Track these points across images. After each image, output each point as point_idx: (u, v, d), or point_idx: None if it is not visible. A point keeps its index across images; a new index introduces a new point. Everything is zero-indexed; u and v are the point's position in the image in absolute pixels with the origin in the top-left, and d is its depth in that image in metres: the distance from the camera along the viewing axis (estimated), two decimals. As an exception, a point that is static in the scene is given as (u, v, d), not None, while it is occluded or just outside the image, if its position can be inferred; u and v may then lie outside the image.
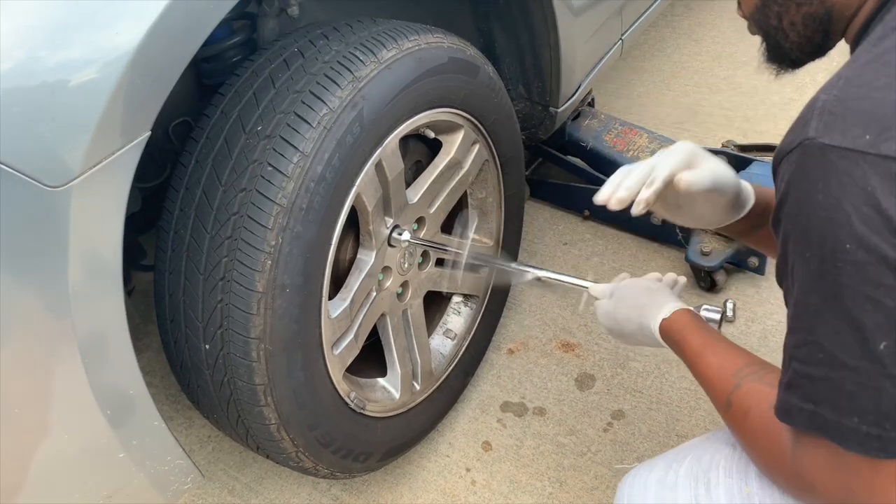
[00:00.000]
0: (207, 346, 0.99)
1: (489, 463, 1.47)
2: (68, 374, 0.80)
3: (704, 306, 1.00)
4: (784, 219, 0.67)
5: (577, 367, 1.61)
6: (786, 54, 0.84)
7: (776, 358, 0.88)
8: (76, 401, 0.83)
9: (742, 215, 0.93)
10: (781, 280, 0.71)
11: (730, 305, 1.61)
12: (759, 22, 0.83)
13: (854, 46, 0.77)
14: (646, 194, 0.82)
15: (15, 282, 0.73)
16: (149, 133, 0.77)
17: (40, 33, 0.71)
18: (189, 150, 1.02)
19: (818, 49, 0.82)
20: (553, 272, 1.16)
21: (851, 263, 0.60)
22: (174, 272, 1.00)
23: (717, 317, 0.96)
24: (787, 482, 0.73)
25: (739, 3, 0.87)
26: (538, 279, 1.18)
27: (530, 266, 1.21)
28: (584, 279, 1.12)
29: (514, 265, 1.22)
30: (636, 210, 0.84)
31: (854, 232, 0.60)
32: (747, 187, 0.93)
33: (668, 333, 0.92)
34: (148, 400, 0.89)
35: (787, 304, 0.70)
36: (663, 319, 0.92)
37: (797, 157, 0.64)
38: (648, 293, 0.97)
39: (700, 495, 0.84)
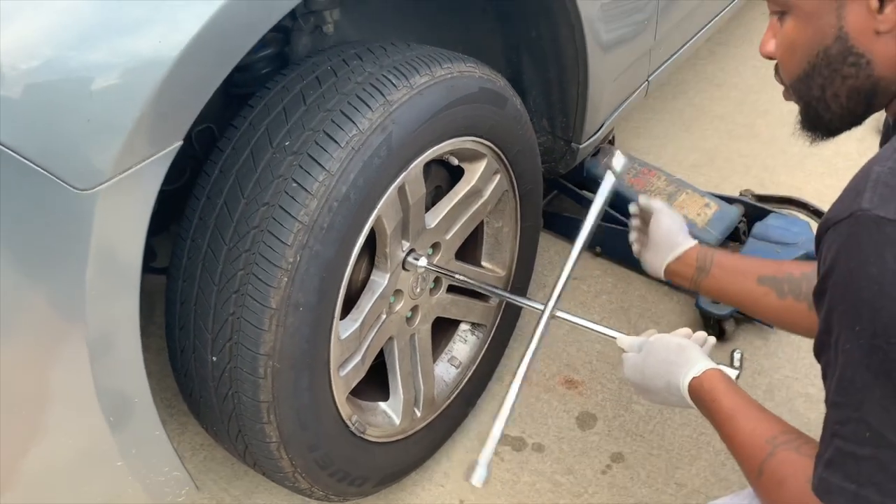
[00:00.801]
0: (215, 359, 0.98)
1: (483, 496, 1.45)
2: (75, 377, 0.79)
3: (720, 366, 0.99)
4: (831, 289, 0.65)
5: (579, 406, 1.59)
6: (825, 125, 0.83)
7: (781, 412, 0.87)
8: (80, 404, 0.82)
9: (677, 253, 1.16)
10: (821, 353, 0.69)
11: (737, 356, 1.60)
12: (801, 91, 0.82)
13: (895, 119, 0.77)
14: None
15: (32, 280, 0.73)
16: (180, 143, 0.76)
17: (82, 33, 0.71)
18: (214, 159, 1.01)
19: (858, 120, 0.82)
20: (580, 318, 1.15)
21: None
22: (188, 280, 0.99)
23: (734, 376, 0.95)
24: None
25: (777, 70, 0.86)
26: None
27: (564, 311, 1.17)
28: (612, 329, 1.11)
29: (543, 306, 1.18)
30: None
31: None
32: (687, 237, 1.18)
33: (698, 393, 0.90)
34: (151, 409, 0.88)
35: (824, 377, 0.69)
36: (693, 378, 0.90)
37: (849, 227, 0.63)
38: (679, 350, 0.95)
39: None
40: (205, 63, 0.76)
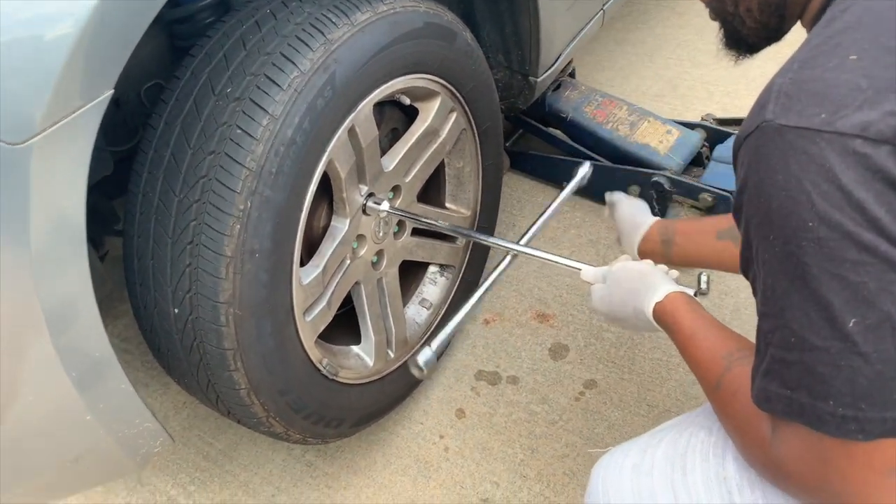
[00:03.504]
0: (177, 311, 0.99)
1: (462, 430, 1.48)
2: (32, 336, 0.80)
3: (683, 288, 1.01)
4: (745, 204, 0.67)
5: (551, 338, 1.62)
6: (743, 40, 0.84)
7: (747, 331, 0.89)
8: (41, 363, 0.82)
9: (641, 231, 1.22)
10: (747, 269, 0.70)
11: (703, 278, 1.62)
12: (716, 9, 0.84)
13: (810, 29, 0.77)
14: None
15: (-25, 241, 0.72)
16: (111, 92, 0.75)
17: (-1, -14, 0.69)
18: (158, 112, 1.00)
19: (774, 33, 0.83)
20: (545, 252, 1.15)
21: (814, 241, 0.60)
22: (143, 235, 0.99)
23: (692, 293, 0.97)
24: (764, 468, 0.73)
25: None
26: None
27: (523, 246, 1.19)
28: (575, 261, 1.12)
29: (508, 244, 1.20)
30: None
31: (815, 209, 0.60)
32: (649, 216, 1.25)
33: (662, 317, 0.92)
34: (115, 363, 0.89)
35: (754, 292, 0.70)
36: (657, 303, 0.92)
37: (755, 140, 0.64)
38: (641, 276, 0.97)
39: (676, 480, 0.84)
40: (128, 8, 0.75)
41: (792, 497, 0.73)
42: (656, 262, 1.09)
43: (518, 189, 1.97)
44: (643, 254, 1.23)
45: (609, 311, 1.00)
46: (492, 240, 1.26)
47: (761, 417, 0.71)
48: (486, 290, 1.16)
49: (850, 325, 0.60)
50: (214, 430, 1.55)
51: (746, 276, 0.72)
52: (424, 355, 1.04)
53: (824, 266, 0.60)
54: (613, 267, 1.03)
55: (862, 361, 0.60)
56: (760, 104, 0.65)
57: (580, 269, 1.09)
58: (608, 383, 1.52)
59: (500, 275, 1.17)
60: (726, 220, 1.16)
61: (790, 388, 0.64)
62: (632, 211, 1.26)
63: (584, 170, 1.36)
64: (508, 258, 1.19)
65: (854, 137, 0.58)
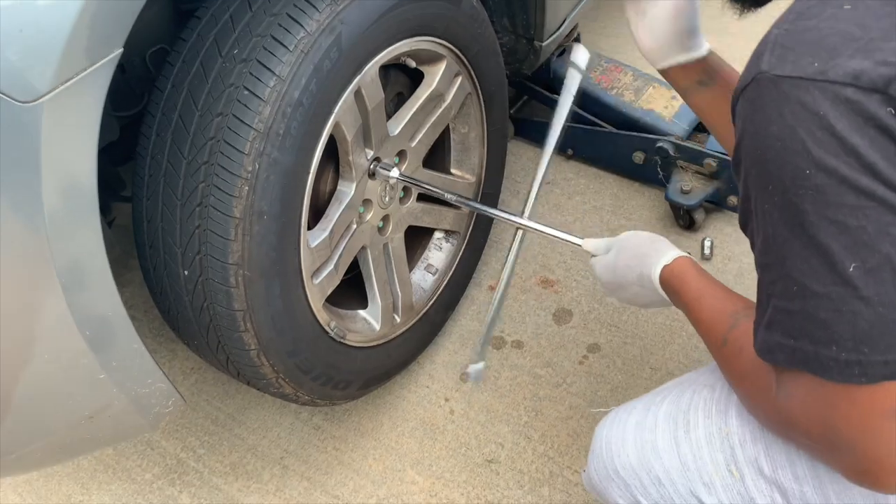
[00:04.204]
0: (186, 272, 1.00)
1: (467, 393, 1.51)
2: (46, 296, 0.81)
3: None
4: (743, 157, 0.67)
5: (555, 303, 1.64)
6: None
7: (751, 296, 0.89)
8: (55, 322, 0.84)
9: (690, 57, 0.97)
10: (746, 223, 0.71)
11: (707, 243, 1.64)
12: None
13: None
14: None
15: (-12, 200, 0.73)
16: (121, 50, 0.76)
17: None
18: (165, 74, 1.00)
19: None
20: (543, 225, 1.14)
21: (812, 188, 0.61)
22: (151, 198, 1.00)
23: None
24: (771, 421, 0.74)
25: None
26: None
27: (521, 217, 1.17)
28: (574, 235, 1.11)
29: (507, 215, 1.19)
30: None
31: (811, 157, 0.60)
32: (702, 39, 0.98)
33: (669, 281, 0.92)
34: (127, 322, 0.90)
35: (753, 247, 0.70)
36: (664, 267, 0.92)
37: (752, 92, 0.64)
38: (650, 241, 0.97)
39: (679, 437, 0.85)
40: (136, -34, 0.75)
41: (801, 449, 0.74)
42: (673, 85, 1.05)
43: (522, 157, 1.97)
44: (667, 73, 1.04)
45: (612, 279, 1.00)
46: (494, 211, 1.24)
47: (766, 370, 0.71)
48: (507, 282, 1.14)
49: (851, 269, 0.60)
50: (222, 395, 1.57)
51: (745, 231, 0.72)
52: (475, 369, 1.06)
53: (823, 212, 0.61)
54: (621, 236, 1.03)
55: (863, 305, 0.60)
56: (757, 55, 0.65)
57: (580, 243, 1.09)
58: (611, 347, 1.54)
59: (515, 258, 1.16)
60: None
61: (793, 338, 0.65)
62: (685, 12, 0.96)
63: (582, 56, 1.13)
64: (518, 238, 1.17)
65: (846, 86, 0.58)
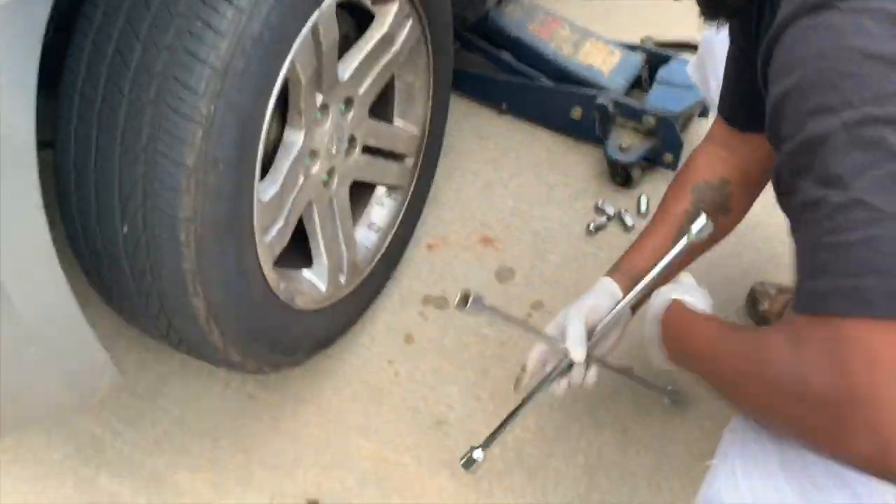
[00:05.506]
0: (126, 229, 0.88)
1: (412, 355, 1.46)
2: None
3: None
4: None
5: (496, 261, 1.61)
6: (727, 6, 0.80)
7: (777, 256, 0.87)
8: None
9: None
10: (784, 183, 0.66)
11: (644, 200, 1.65)
12: None
13: None
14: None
15: None
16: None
17: None
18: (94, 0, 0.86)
19: None
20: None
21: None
22: (82, 143, 0.86)
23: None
24: (786, 397, 0.65)
25: None
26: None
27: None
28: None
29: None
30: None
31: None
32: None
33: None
34: (64, 286, 0.78)
35: (790, 210, 0.66)
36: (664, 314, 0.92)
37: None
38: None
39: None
40: None
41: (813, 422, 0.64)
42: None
43: (455, 110, 1.89)
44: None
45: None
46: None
47: (773, 343, 0.66)
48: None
49: None
50: (139, 365, 1.44)
51: (781, 194, 0.69)
52: (477, 455, 0.99)
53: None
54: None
55: None
56: None
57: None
58: (554, 304, 1.53)
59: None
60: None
61: (854, 276, 0.58)
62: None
63: (702, 222, 0.98)
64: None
65: None
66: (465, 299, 0.84)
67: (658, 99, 1.64)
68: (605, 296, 1.04)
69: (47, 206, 0.73)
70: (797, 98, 0.64)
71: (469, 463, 0.98)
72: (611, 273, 1.07)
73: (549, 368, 1.03)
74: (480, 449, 0.98)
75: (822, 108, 0.61)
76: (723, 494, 0.77)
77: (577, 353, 0.97)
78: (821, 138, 0.61)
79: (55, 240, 0.75)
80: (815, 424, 0.62)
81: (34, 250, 0.73)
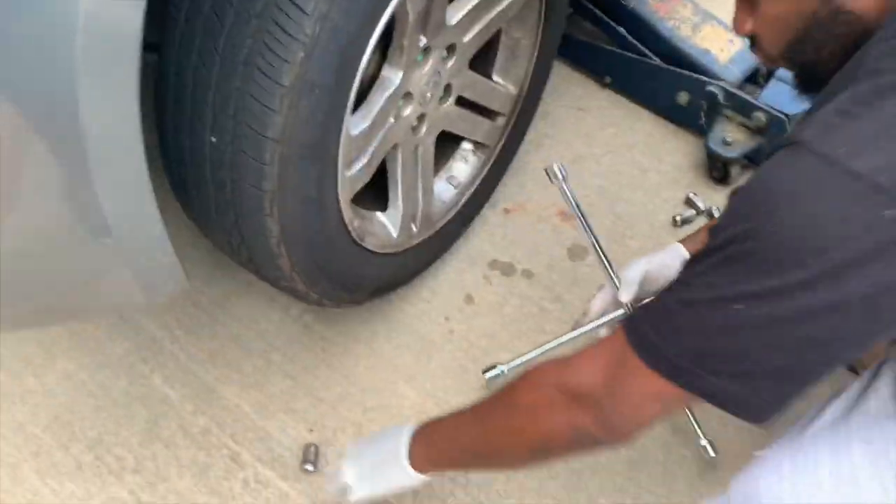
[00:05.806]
0: (214, 139, 0.88)
1: (470, 315, 1.44)
2: (66, 132, 0.69)
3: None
4: None
5: (571, 238, 1.56)
6: (823, 78, 0.79)
7: None
8: (69, 168, 0.72)
9: None
10: None
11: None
12: (793, 58, 0.82)
13: None
14: None
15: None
16: None
17: None
18: None
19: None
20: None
21: None
22: (185, 46, 0.86)
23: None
24: (562, 408, 0.83)
25: (754, 42, 0.86)
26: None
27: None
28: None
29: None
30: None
31: None
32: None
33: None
34: (145, 179, 0.78)
35: None
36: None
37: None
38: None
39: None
40: None
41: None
42: None
43: (555, 77, 1.82)
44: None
45: None
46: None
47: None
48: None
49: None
50: (207, 278, 1.47)
51: None
52: (500, 369, 1.21)
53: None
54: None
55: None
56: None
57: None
58: (624, 292, 1.48)
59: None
60: None
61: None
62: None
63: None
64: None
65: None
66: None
67: (773, 97, 1.54)
68: (676, 257, 1.10)
69: (144, 116, 0.74)
70: None
71: (489, 370, 1.19)
72: (684, 241, 1.14)
73: (605, 319, 1.14)
74: (506, 367, 1.13)
75: None
76: (762, 485, 0.80)
77: (625, 293, 1.09)
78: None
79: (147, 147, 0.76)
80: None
81: (125, 144, 0.73)
